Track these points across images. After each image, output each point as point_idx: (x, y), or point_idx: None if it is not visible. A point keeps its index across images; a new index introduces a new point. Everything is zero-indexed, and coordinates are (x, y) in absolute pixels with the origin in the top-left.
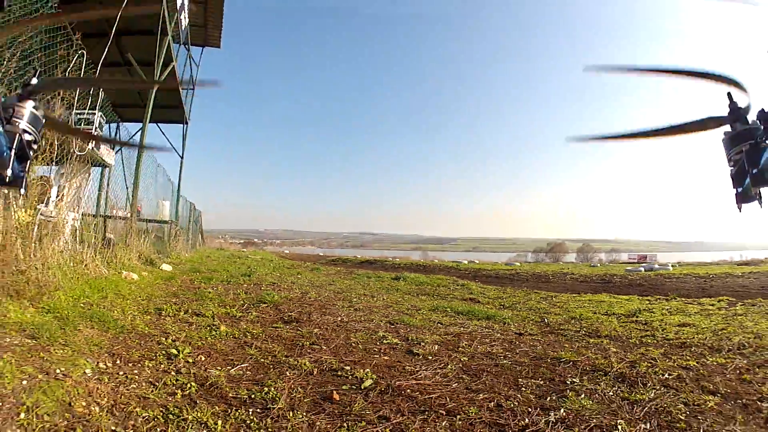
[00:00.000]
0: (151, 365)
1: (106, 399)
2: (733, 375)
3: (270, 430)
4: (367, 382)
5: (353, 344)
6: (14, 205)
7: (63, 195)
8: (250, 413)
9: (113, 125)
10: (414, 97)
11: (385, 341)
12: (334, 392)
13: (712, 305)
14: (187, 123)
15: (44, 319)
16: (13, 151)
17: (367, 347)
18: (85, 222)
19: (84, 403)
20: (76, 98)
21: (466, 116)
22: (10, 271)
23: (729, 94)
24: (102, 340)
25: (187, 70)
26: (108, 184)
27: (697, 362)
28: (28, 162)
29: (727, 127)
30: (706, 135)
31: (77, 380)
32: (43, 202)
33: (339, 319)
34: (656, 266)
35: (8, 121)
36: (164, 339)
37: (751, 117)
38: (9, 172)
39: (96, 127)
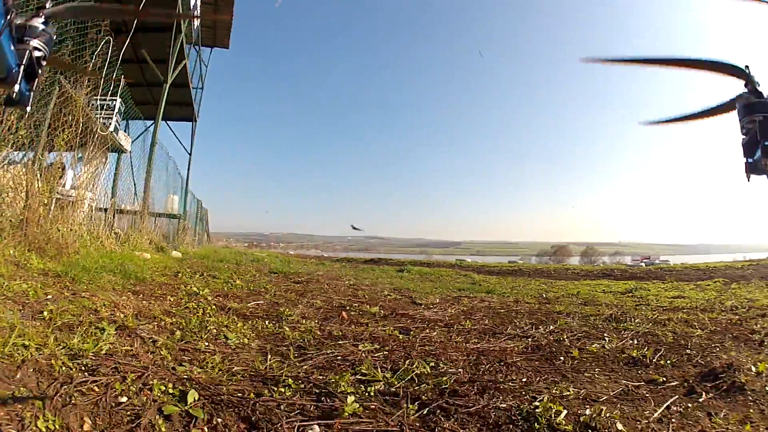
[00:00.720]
0: (173, 299)
1: (131, 309)
2: (723, 321)
3: (285, 328)
4: (374, 309)
5: (360, 296)
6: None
7: (81, 176)
8: (266, 322)
9: (132, 122)
10: (423, 103)
11: (390, 296)
12: (343, 312)
13: (709, 285)
14: (196, 120)
15: (66, 268)
16: (23, 67)
17: (373, 297)
18: (96, 218)
19: (109, 311)
20: (102, 83)
21: (472, 119)
22: (32, 231)
23: (747, 67)
24: (124, 283)
25: (196, 69)
26: (122, 172)
27: (688, 316)
28: (36, 80)
29: (744, 97)
30: (727, 122)
31: (103, 298)
32: (59, 185)
33: (347, 283)
34: (657, 261)
35: (20, 40)
36: (183, 286)
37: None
38: (17, 87)
39: (115, 113)
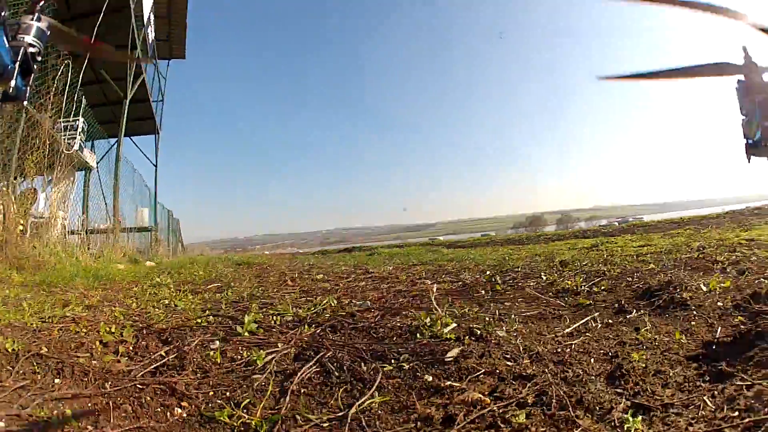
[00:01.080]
0: (137, 288)
1: (97, 297)
2: (685, 258)
3: (228, 293)
4: (320, 277)
5: (314, 272)
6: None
7: (52, 197)
8: (215, 294)
9: (97, 141)
10: (380, 91)
11: (344, 270)
12: (288, 280)
13: (679, 233)
14: (158, 133)
15: (44, 278)
16: (18, 63)
17: (327, 272)
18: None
19: (79, 300)
20: (64, 105)
21: (436, 97)
22: (11, 251)
23: (744, 48)
24: (96, 284)
25: (155, 83)
26: (91, 189)
27: (652, 257)
28: (31, 76)
29: (742, 77)
30: (717, 81)
31: (74, 293)
32: (33, 207)
33: (306, 264)
34: (631, 219)
35: (14, 37)
36: (149, 280)
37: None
38: (13, 83)
39: (79, 132)
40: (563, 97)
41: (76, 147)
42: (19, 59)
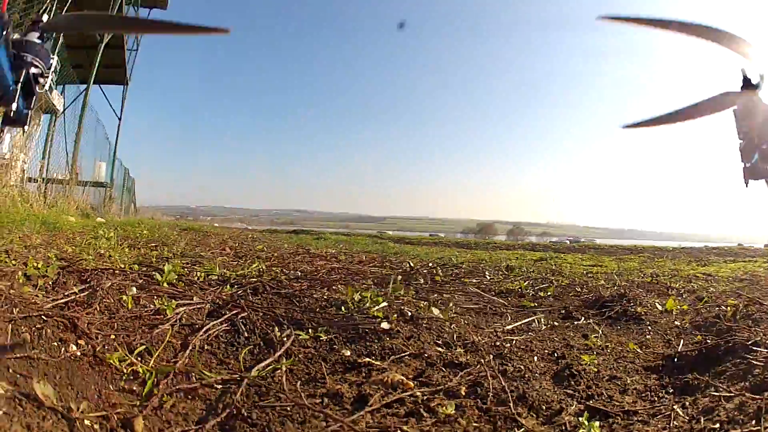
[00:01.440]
0: (80, 239)
1: (39, 241)
2: (638, 281)
3: (163, 250)
4: (260, 247)
5: (255, 245)
6: None
7: (16, 138)
8: (150, 251)
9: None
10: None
11: (285, 246)
12: (227, 247)
13: (631, 258)
14: (127, 84)
15: None
16: (20, 85)
17: (269, 246)
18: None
19: (21, 240)
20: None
21: (393, 89)
22: None
23: (743, 70)
24: (42, 230)
25: None
26: (53, 135)
27: (602, 276)
28: (34, 98)
29: (739, 100)
30: (716, 116)
31: (19, 235)
32: None
33: (249, 236)
34: (582, 240)
35: (16, 56)
36: (93, 233)
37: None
38: (14, 106)
39: (51, 72)
40: (530, 105)
41: (47, 87)
42: (21, 80)
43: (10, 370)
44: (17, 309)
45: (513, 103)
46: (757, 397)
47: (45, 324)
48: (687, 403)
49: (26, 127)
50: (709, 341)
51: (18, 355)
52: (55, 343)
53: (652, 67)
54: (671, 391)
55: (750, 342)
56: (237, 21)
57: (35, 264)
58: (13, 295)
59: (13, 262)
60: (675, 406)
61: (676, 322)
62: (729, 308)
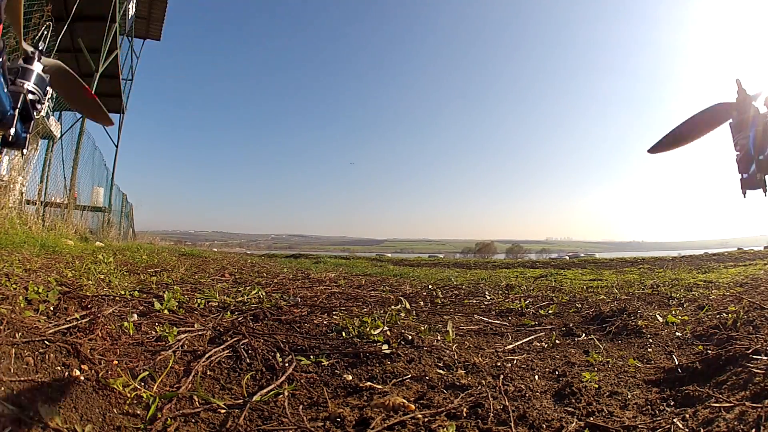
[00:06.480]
0: (79, 263)
1: (38, 264)
2: (638, 293)
3: (162, 276)
4: (255, 273)
5: (255, 270)
6: None
7: (14, 161)
8: (150, 277)
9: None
10: (350, 101)
11: (284, 272)
12: (226, 272)
13: (631, 270)
14: (123, 113)
15: None
16: (17, 110)
17: (269, 271)
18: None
19: (20, 263)
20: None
21: (397, 118)
22: None
23: (738, 81)
24: (41, 253)
25: (128, 60)
26: (51, 160)
27: (603, 290)
28: (32, 122)
29: (735, 113)
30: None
31: (18, 257)
32: None
33: (249, 262)
34: (581, 255)
35: (13, 82)
36: (92, 257)
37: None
38: (12, 131)
39: (47, 99)
40: (527, 124)
41: (43, 113)
42: (19, 106)
43: (15, 393)
44: (19, 333)
45: (512, 130)
46: (758, 405)
47: (47, 349)
48: (687, 416)
49: (24, 150)
50: (709, 351)
51: (22, 379)
52: (59, 368)
53: (654, 84)
54: (672, 403)
55: (750, 351)
56: (232, 48)
57: (36, 288)
58: (14, 319)
59: (14, 285)
60: (675, 419)
61: (677, 333)
62: (729, 315)
